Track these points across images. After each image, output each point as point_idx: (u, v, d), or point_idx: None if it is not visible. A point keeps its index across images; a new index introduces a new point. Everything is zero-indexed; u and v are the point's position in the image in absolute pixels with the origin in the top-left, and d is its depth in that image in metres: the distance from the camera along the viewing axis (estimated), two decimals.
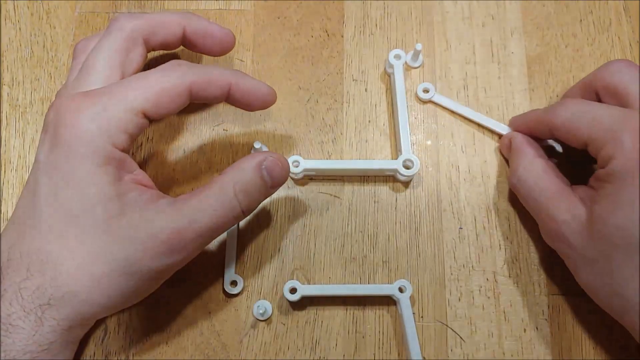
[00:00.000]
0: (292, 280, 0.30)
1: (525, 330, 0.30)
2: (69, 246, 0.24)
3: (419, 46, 0.33)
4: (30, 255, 0.24)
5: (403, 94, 0.33)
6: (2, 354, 0.23)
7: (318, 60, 0.35)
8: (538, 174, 0.29)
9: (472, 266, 0.31)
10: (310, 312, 0.31)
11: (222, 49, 0.30)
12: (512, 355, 0.30)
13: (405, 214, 0.32)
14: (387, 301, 0.31)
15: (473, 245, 0.32)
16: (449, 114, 0.34)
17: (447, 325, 0.30)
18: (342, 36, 0.36)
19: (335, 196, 0.33)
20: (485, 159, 0.33)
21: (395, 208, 0.32)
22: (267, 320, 0.30)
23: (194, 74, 0.26)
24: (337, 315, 0.31)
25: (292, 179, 0.33)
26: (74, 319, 0.25)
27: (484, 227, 0.32)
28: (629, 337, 0.30)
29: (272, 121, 0.34)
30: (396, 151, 0.33)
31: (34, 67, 0.35)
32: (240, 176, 0.26)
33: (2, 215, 0.32)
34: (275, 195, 0.32)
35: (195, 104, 0.34)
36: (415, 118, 0.34)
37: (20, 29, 0.36)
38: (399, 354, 0.30)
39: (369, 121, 0.34)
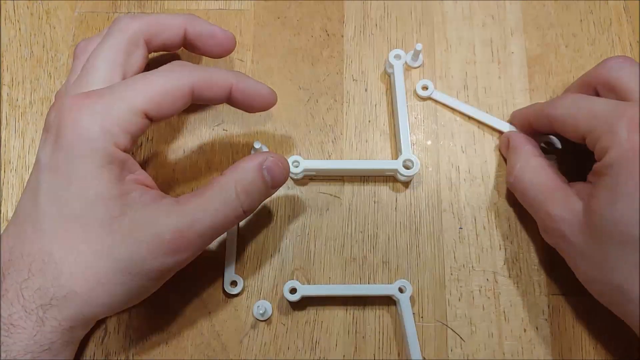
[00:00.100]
0: (292, 281, 0.30)
1: (525, 330, 0.30)
2: (72, 246, 0.24)
3: (419, 46, 0.33)
4: (32, 255, 0.24)
5: (403, 94, 0.33)
6: (3, 354, 0.23)
7: (318, 60, 0.35)
8: (535, 171, 0.29)
9: (472, 266, 0.31)
10: (310, 312, 0.31)
11: (222, 51, 0.30)
12: (512, 355, 0.30)
13: (405, 214, 0.32)
14: (387, 301, 0.31)
15: (473, 245, 0.32)
16: (449, 113, 0.34)
17: (447, 325, 0.30)
18: (342, 36, 0.36)
19: (335, 196, 0.33)
20: (485, 159, 0.33)
21: (395, 208, 0.32)
22: (267, 321, 0.30)
23: (195, 75, 0.26)
24: (337, 315, 0.31)
25: (292, 179, 0.33)
26: (75, 319, 0.25)
27: (484, 227, 0.32)
28: (628, 337, 0.30)
29: (272, 121, 0.34)
30: (396, 151, 0.33)
31: (34, 67, 0.35)
32: (241, 176, 0.26)
33: (2, 215, 0.32)
34: (275, 195, 0.32)
35: (196, 104, 0.34)
36: (415, 118, 0.34)
37: (20, 29, 0.36)
38: (399, 354, 0.30)
39: (369, 121, 0.34)
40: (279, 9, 0.36)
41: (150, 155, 0.33)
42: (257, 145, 0.32)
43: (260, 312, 0.29)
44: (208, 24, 0.30)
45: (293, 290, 0.29)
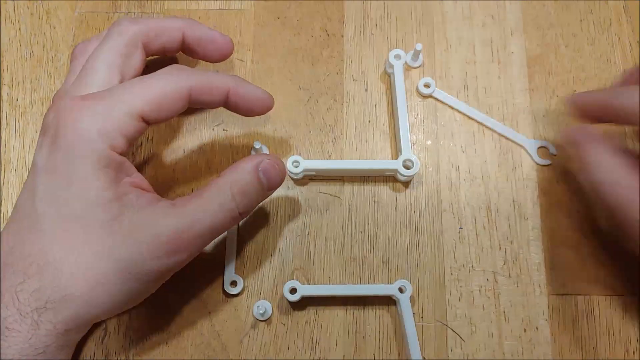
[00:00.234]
0: (292, 281, 0.30)
1: (525, 330, 0.30)
2: (72, 247, 0.24)
3: (419, 46, 0.33)
4: (29, 258, 0.24)
5: (403, 94, 0.33)
6: None
7: (318, 60, 0.35)
8: (622, 170, 0.26)
9: (472, 266, 0.31)
10: (310, 312, 0.31)
11: (220, 56, 0.30)
12: (512, 355, 0.30)
13: (405, 214, 0.32)
14: (387, 301, 0.31)
15: (473, 245, 0.32)
16: (449, 113, 0.34)
17: (447, 325, 0.30)
18: (342, 36, 0.36)
19: (335, 196, 0.33)
20: (485, 159, 0.33)
21: (395, 208, 0.32)
22: (267, 321, 0.30)
23: (193, 78, 0.26)
24: (337, 315, 0.31)
25: (292, 179, 0.33)
26: (71, 322, 0.24)
27: (484, 227, 0.32)
28: (629, 337, 0.30)
29: (272, 121, 0.34)
30: (396, 151, 0.33)
31: (34, 67, 0.35)
32: (237, 178, 0.26)
33: (2, 215, 0.32)
34: (275, 195, 0.32)
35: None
36: (416, 118, 0.34)
37: (20, 29, 0.36)
38: (399, 354, 0.30)
39: (369, 121, 0.34)
40: (279, 9, 0.36)
41: (151, 155, 0.33)
42: (257, 146, 0.32)
43: (260, 312, 0.29)
44: (207, 29, 0.30)
45: (293, 290, 0.29)
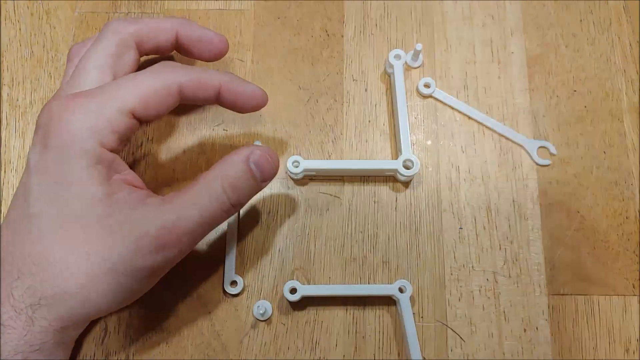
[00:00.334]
0: (292, 281, 0.30)
1: (525, 330, 0.30)
2: (61, 247, 0.24)
3: (419, 46, 0.33)
4: (23, 256, 0.24)
5: (403, 94, 0.33)
6: None
7: (318, 60, 0.35)
8: None
9: (472, 266, 0.31)
10: (310, 312, 0.31)
11: (215, 55, 0.30)
12: (512, 355, 0.30)
13: (405, 214, 0.32)
14: (387, 301, 0.31)
15: (473, 245, 0.32)
16: (450, 113, 0.34)
17: (447, 325, 0.30)
18: (342, 36, 0.36)
19: (335, 196, 0.33)
20: (485, 159, 0.33)
21: (395, 208, 0.32)
22: (267, 321, 0.30)
23: (184, 75, 0.26)
24: (337, 315, 0.31)
25: (292, 179, 0.33)
26: (66, 319, 0.24)
27: (484, 227, 0.32)
28: (628, 337, 0.30)
29: (272, 121, 0.34)
30: (396, 151, 0.33)
31: (34, 67, 0.35)
32: (227, 170, 0.26)
33: (2, 215, 0.32)
34: (275, 195, 0.32)
35: (188, 104, 0.34)
36: (416, 118, 0.34)
37: (20, 29, 0.36)
38: (399, 354, 0.30)
39: (369, 121, 0.34)
40: (279, 9, 0.36)
41: (151, 155, 0.33)
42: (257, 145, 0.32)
43: (260, 312, 0.29)
44: (200, 28, 0.30)
45: (293, 290, 0.29)
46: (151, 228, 0.24)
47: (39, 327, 0.24)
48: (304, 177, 0.33)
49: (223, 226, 0.32)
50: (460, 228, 0.32)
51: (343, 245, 0.32)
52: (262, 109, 0.32)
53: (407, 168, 0.31)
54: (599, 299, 0.31)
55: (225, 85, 0.27)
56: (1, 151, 0.33)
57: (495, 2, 0.36)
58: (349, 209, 0.32)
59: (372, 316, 0.31)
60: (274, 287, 0.31)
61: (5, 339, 0.23)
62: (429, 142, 0.34)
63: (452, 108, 0.34)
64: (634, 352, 0.30)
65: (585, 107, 0.34)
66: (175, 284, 0.31)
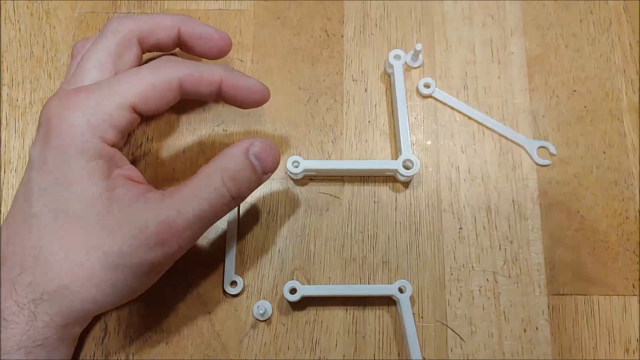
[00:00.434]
0: (292, 281, 0.30)
1: (525, 330, 0.30)
2: (61, 241, 0.24)
3: (419, 46, 0.33)
4: (24, 251, 0.24)
5: (403, 94, 0.33)
6: None
7: (318, 60, 0.35)
8: None
9: (472, 266, 0.31)
10: (310, 313, 0.31)
11: (218, 52, 0.30)
12: (512, 355, 0.30)
13: (405, 214, 0.32)
14: (387, 301, 0.31)
15: (473, 245, 0.32)
16: (449, 113, 0.34)
17: (447, 325, 0.30)
18: (342, 36, 0.36)
19: (335, 196, 0.33)
20: (485, 159, 0.33)
21: (395, 208, 0.32)
22: (267, 321, 0.30)
23: (184, 69, 0.26)
24: (337, 315, 0.31)
25: (292, 179, 0.33)
26: (68, 314, 0.25)
27: (484, 227, 0.32)
28: (628, 337, 0.30)
29: (272, 121, 0.34)
30: (396, 151, 0.33)
31: (34, 67, 0.35)
32: (227, 163, 0.25)
33: (2, 215, 0.32)
34: (275, 195, 0.32)
35: (196, 102, 0.34)
36: (415, 118, 0.34)
37: (20, 29, 0.36)
38: (399, 354, 0.30)
39: (369, 121, 0.34)
40: (279, 9, 0.36)
41: (150, 154, 0.33)
42: None
43: (260, 312, 0.29)
44: (203, 25, 0.30)
45: (293, 290, 0.29)
46: (151, 223, 0.24)
47: (41, 323, 0.24)
48: (304, 177, 0.33)
49: (223, 226, 0.32)
50: (460, 228, 0.32)
51: (343, 245, 0.32)
52: (263, 108, 0.32)
53: (407, 168, 0.31)
54: (599, 299, 0.31)
55: (227, 80, 0.27)
56: (1, 151, 0.33)
57: (495, 2, 0.36)
58: (349, 209, 0.32)
59: (372, 316, 0.31)
60: (274, 287, 0.31)
61: (8, 334, 0.23)
62: (429, 142, 0.34)
63: (452, 108, 0.34)
64: (634, 352, 0.30)
65: (585, 107, 0.34)
66: (175, 284, 0.31)
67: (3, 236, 0.25)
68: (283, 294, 0.29)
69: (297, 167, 0.31)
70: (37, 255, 0.24)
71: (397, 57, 0.33)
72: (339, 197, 0.33)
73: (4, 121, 0.34)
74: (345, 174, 0.33)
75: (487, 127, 0.34)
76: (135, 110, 0.26)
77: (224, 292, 0.31)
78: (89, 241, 0.24)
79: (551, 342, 0.30)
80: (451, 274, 0.31)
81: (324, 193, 0.33)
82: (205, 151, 0.33)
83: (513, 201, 0.32)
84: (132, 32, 0.28)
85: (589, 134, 0.34)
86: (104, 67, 0.27)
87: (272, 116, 0.34)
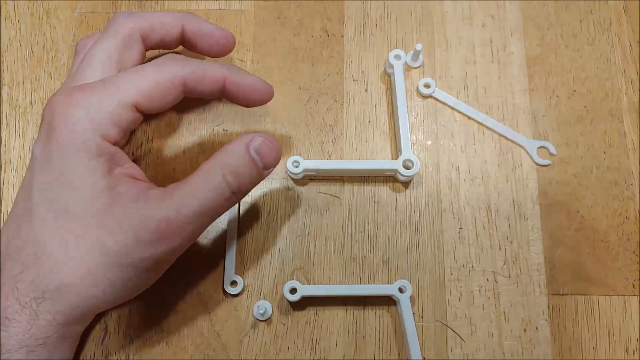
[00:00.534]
0: (292, 281, 0.30)
1: (525, 330, 0.30)
2: (62, 239, 0.24)
3: (419, 46, 0.33)
4: (26, 248, 0.24)
5: (403, 94, 0.33)
6: None
7: (318, 60, 0.35)
8: None
9: (472, 266, 0.31)
10: (310, 313, 0.31)
11: (221, 50, 0.30)
12: (512, 355, 0.30)
13: (405, 214, 0.32)
14: (387, 301, 0.31)
15: (473, 245, 0.32)
16: (449, 113, 0.34)
17: (447, 325, 0.30)
18: (342, 36, 0.36)
19: (335, 196, 0.33)
20: (485, 159, 0.33)
21: (395, 208, 0.32)
22: (267, 321, 0.30)
23: (188, 67, 0.26)
24: (337, 315, 0.31)
25: (292, 179, 0.33)
26: (69, 313, 0.25)
27: (484, 227, 0.32)
28: (628, 337, 0.30)
29: (272, 121, 0.34)
30: (396, 151, 0.33)
31: (34, 67, 0.35)
32: (227, 158, 0.25)
33: (2, 215, 0.32)
34: (275, 195, 0.32)
35: (196, 102, 0.34)
36: (416, 118, 0.34)
37: (20, 29, 0.36)
38: (399, 354, 0.30)
39: (369, 121, 0.34)
40: (279, 9, 0.36)
41: (151, 155, 0.33)
42: None
43: (260, 312, 0.29)
44: (206, 23, 0.30)
45: (293, 290, 0.29)
46: (152, 220, 0.24)
47: (43, 321, 0.24)
48: (304, 177, 0.33)
49: (223, 226, 0.32)
50: (460, 228, 0.32)
51: (343, 245, 0.32)
52: (262, 109, 0.32)
53: (407, 168, 0.31)
54: (599, 299, 0.31)
55: (230, 78, 0.27)
56: (1, 151, 0.33)
57: (495, 2, 0.36)
58: (349, 209, 0.32)
59: (372, 316, 0.31)
60: (274, 287, 0.31)
61: (9, 332, 0.23)
62: (429, 142, 0.34)
63: (452, 108, 0.34)
64: (634, 352, 0.30)
65: (585, 107, 0.34)
66: (176, 283, 0.31)
67: (4, 234, 0.25)
68: (283, 294, 0.29)
69: (297, 167, 0.31)
70: (39, 254, 0.24)
71: (397, 57, 0.33)
72: (339, 197, 0.33)
73: (4, 121, 0.34)
74: (345, 174, 0.33)
75: (487, 127, 0.34)
76: (137, 109, 0.25)
77: (224, 292, 0.31)
78: (90, 239, 0.24)
79: (551, 342, 0.30)
80: (451, 274, 0.31)
81: (324, 193, 0.33)
82: (206, 151, 0.33)
83: (513, 201, 0.32)
84: (135, 29, 0.28)
85: (589, 134, 0.34)
86: (107, 64, 0.27)
87: (272, 116, 0.34)
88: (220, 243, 0.32)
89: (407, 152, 0.31)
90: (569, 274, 0.31)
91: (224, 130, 0.34)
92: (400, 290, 0.30)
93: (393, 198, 0.32)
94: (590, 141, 0.33)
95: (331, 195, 0.33)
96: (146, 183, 0.26)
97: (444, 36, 0.36)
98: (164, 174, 0.33)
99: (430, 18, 0.36)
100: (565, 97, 0.34)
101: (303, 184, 0.33)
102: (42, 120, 0.25)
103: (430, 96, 0.34)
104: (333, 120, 0.34)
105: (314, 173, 0.32)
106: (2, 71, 0.35)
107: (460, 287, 0.31)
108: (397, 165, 0.31)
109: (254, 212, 0.32)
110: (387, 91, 0.35)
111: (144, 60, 0.29)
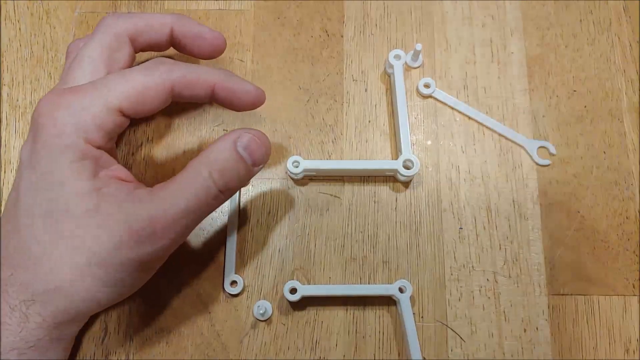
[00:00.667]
0: (292, 281, 0.30)
1: (525, 330, 0.30)
2: (50, 242, 0.24)
3: (419, 46, 0.33)
4: (16, 251, 0.24)
5: (403, 94, 0.33)
6: None
7: (318, 60, 0.35)
8: None
9: (472, 266, 0.31)
10: (310, 313, 0.31)
11: (212, 52, 0.30)
12: (512, 355, 0.30)
13: (405, 214, 0.32)
14: (387, 301, 0.31)
15: (473, 245, 0.32)
16: (449, 113, 0.34)
17: (447, 325, 0.30)
18: (342, 36, 0.36)
19: (335, 196, 0.33)
20: (485, 159, 0.33)
21: (395, 208, 0.32)
22: (267, 321, 0.30)
23: (176, 72, 0.26)
24: (337, 315, 0.31)
25: (292, 179, 0.33)
26: (59, 315, 0.24)
27: (484, 227, 0.32)
28: (629, 337, 0.30)
29: (272, 121, 0.34)
30: (396, 151, 0.33)
31: (34, 67, 0.35)
32: (213, 156, 0.25)
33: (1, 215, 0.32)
34: (275, 195, 0.32)
35: (193, 103, 0.34)
36: (416, 118, 0.34)
37: (20, 29, 0.36)
38: (399, 354, 0.30)
39: (369, 121, 0.34)
40: (279, 9, 0.36)
41: (150, 155, 0.33)
42: None
43: (260, 312, 0.29)
44: (196, 24, 0.29)
45: (293, 290, 0.29)
46: (139, 220, 0.24)
47: (33, 324, 0.24)
48: (304, 177, 0.33)
49: (223, 225, 0.32)
50: (461, 228, 0.32)
51: (343, 245, 0.32)
52: (262, 109, 0.32)
53: (407, 168, 0.31)
54: (599, 299, 0.31)
55: (221, 84, 0.27)
56: (1, 151, 0.33)
57: (495, 2, 0.36)
58: (349, 209, 0.32)
59: (372, 316, 0.31)
60: (274, 287, 0.31)
61: (0, 335, 0.23)
62: (429, 142, 0.34)
63: (452, 108, 0.34)
64: (634, 352, 0.30)
65: (585, 107, 0.34)
66: (175, 283, 0.31)
67: None
68: (283, 294, 0.29)
69: (297, 167, 0.31)
70: (27, 256, 0.24)
71: (397, 57, 0.33)
72: (339, 197, 0.33)
73: (4, 121, 0.34)
74: (345, 174, 0.33)
75: (487, 127, 0.34)
76: (123, 114, 0.25)
77: (224, 291, 0.31)
78: (77, 240, 0.24)
79: (551, 342, 0.30)
80: (451, 274, 0.31)
81: (324, 193, 0.33)
82: None
83: (513, 201, 0.32)
84: (123, 30, 0.27)
85: (589, 134, 0.34)
86: (96, 66, 0.27)
87: (272, 116, 0.34)
88: (220, 243, 0.32)
89: (407, 152, 0.31)
90: (569, 274, 0.31)
91: (224, 130, 0.34)
92: (401, 290, 0.30)
93: (393, 198, 0.32)
94: (590, 141, 0.33)
95: (331, 195, 0.33)
96: (132, 183, 0.26)
97: (444, 36, 0.36)
98: (164, 174, 0.33)
99: (430, 18, 0.36)
100: (565, 97, 0.34)
101: (303, 184, 0.33)
102: (30, 122, 0.25)
103: (430, 96, 0.34)
104: (333, 120, 0.34)
105: (314, 173, 0.32)
106: (2, 71, 0.35)
107: (461, 287, 0.31)
108: (397, 165, 0.31)
109: (254, 212, 0.32)
110: (387, 91, 0.35)
111: (134, 63, 0.29)
